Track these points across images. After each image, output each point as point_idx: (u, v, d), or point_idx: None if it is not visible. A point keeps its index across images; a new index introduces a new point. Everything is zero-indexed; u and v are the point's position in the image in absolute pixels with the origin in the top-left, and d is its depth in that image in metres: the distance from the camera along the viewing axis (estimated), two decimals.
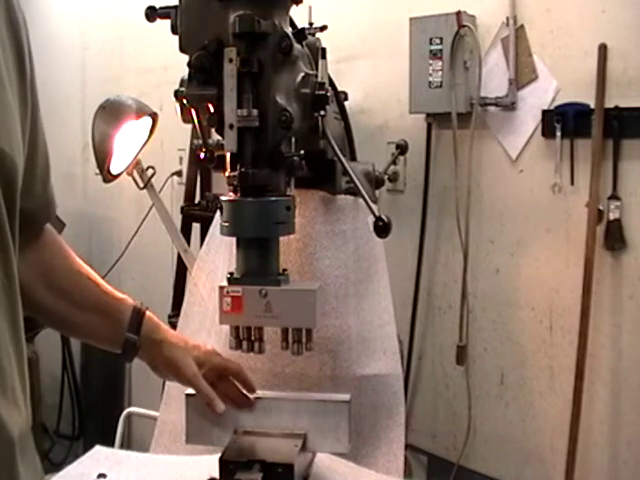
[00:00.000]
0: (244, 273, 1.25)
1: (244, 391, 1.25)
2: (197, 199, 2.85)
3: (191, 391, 1.30)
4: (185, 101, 1.24)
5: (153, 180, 2.23)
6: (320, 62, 1.31)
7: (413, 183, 2.36)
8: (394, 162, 2.02)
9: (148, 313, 1.21)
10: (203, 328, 1.60)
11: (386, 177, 1.74)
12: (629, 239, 1.93)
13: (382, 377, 1.52)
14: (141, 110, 2.04)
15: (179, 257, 2.54)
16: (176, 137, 2.69)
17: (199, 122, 1.28)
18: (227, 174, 1.25)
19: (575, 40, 1.98)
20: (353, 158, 1.65)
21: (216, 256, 1.60)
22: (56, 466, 3.01)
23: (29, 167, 0.88)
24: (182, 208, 2.78)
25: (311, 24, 1.81)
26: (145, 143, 2.13)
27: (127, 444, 2.82)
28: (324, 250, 1.50)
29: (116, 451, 1.45)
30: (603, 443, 1.99)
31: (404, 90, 2.22)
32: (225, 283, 1.25)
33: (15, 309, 0.82)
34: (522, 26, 2.07)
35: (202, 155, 1.30)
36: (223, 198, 1.25)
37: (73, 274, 1.16)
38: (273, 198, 1.24)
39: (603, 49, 1.90)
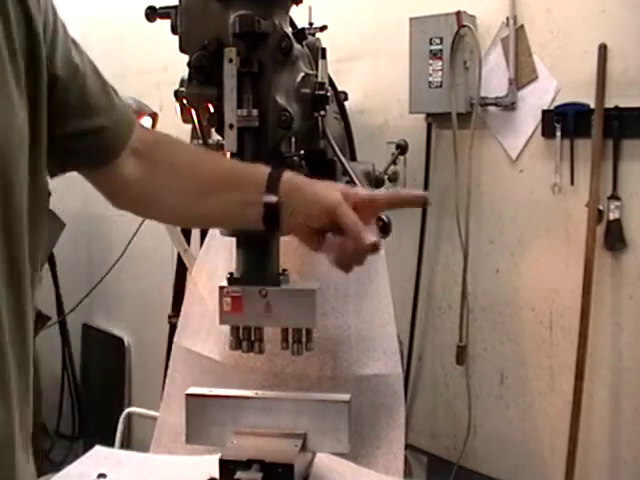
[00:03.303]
0: (244, 273, 1.25)
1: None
2: None
3: (191, 391, 1.30)
4: (185, 101, 1.25)
5: None
6: (320, 62, 1.31)
7: (413, 183, 2.36)
8: (394, 162, 2.02)
9: (287, 173, 1.03)
10: (203, 328, 1.60)
11: (386, 177, 1.75)
12: (629, 239, 1.93)
13: (382, 377, 1.52)
14: (141, 110, 2.05)
15: (179, 257, 2.54)
16: (176, 137, 2.69)
17: (199, 122, 1.28)
18: None
19: (575, 40, 1.98)
20: (353, 158, 1.65)
21: (216, 256, 1.60)
22: (56, 466, 3.01)
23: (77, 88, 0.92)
24: None
25: (311, 24, 1.81)
26: None
27: (127, 444, 2.82)
28: None
29: (116, 451, 1.46)
30: (603, 443, 1.99)
31: (404, 90, 2.22)
32: (225, 283, 1.25)
33: (21, 305, 0.82)
34: (522, 26, 2.07)
35: None
36: None
37: (196, 166, 1.07)
38: None
39: (603, 49, 1.90)
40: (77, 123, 0.95)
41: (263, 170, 1.03)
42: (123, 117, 1.03)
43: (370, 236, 0.99)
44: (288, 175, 1.02)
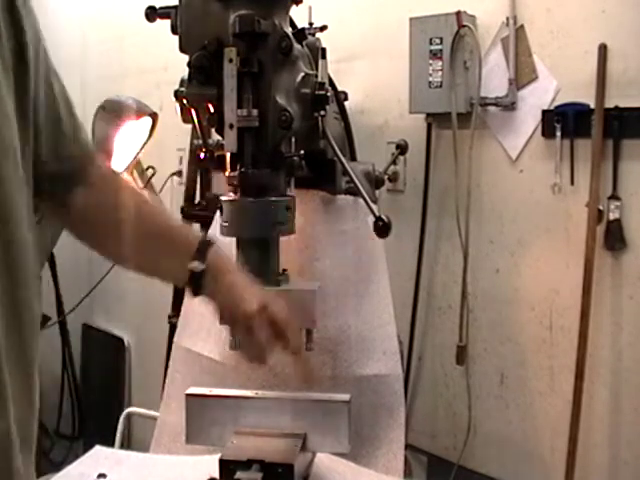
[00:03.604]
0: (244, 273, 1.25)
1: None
2: (197, 199, 2.85)
3: (191, 391, 1.30)
4: (185, 101, 1.25)
5: (153, 180, 2.24)
6: (320, 62, 1.31)
7: (413, 183, 2.36)
8: (394, 162, 2.02)
9: (216, 246, 1.12)
10: (203, 328, 1.60)
11: (386, 177, 1.75)
12: (629, 239, 1.92)
13: (382, 377, 1.52)
14: (141, 110, 2.05)
15: None
16: (176, 137, 2.69)
17: (199, 122, 1.28)
18: (227, 174, 1.25)
19: (575, 40, 1.98)
20: (353, 158, 1.66)
21: None
22: (56, 466, 3.00)
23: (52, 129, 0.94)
24: (182, 208, 2.78)
25: (311, 24, 1.81)
26: (145, 143, 2.13)
27: (127, 444, 2.82)
28: (324, 250, 1.50)
29: (116, 451, 1.46)
30: (603, 443, 1.99)
31: (404, 90, 2.22)
32: None
33: (18, 310, 0.83)
34: (522, 26, 2.07)
35: (202, 155, 1.30)
36: (223, 198, 1.26)
37: (137, 214, 1.11)
38: (273, 198, 1.24)
39: (603, 49, 1.90)
40: (48, 150, 0.98)
41: (195, 236, 1.12)
42: (86, 150, 1.07)
43: (264, 358, 1.10)
44: (218, 251, 1.10)
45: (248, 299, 1.08)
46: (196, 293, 1.11)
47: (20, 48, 0.86)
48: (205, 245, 1.09)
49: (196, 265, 1.08)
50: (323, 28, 1.76)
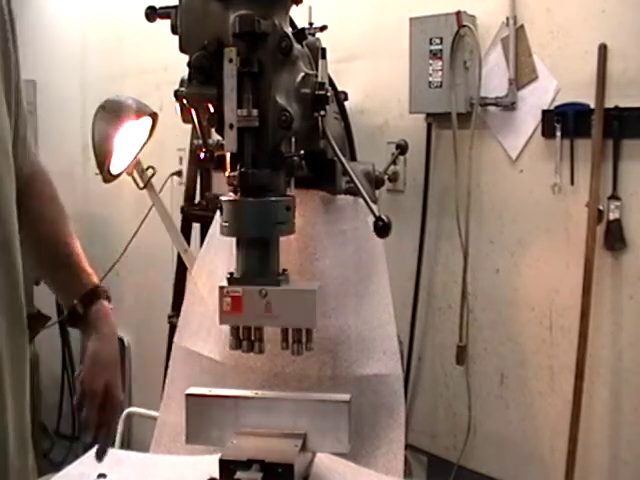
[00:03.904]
0: (244, 273, 1.25)
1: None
2: (197, 199, 2.85)
3: (191, 391, 1.30)
4: (185, 101, 1.24)
5: (153, 180, 2.23)
6: (320, 62, 1.30)
7: (413, 183, 2.36)
8: (394, 162, 2.02)
9: (104, 303, 1.21)
10: (203, 328, 1.60)
11: (386, 177, 1.74)
12: (629, 239, 1.93)
13: (382, 377, 1.52)
14: (141, 110, 2.04)
15: (179, 257, 2.54)
16: (176, 137, 2.69)
17: (199, 122, 1.28)
18: (227, 174, 1.25)
19: (575, 40, 1.98)
20: (353, 158, 1.65)
21: (216, 256, 1.60)
22: (56, 466, 3.00)
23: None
24: (182, 208, 2.78)
25: (311, 24, 1.81)
26: (145, 143, 2.13)
27: (127, 444, 2.82)
28: (324, 250, 1.50)
29: (116, 451, 1.45)
30: (603, 443, 1.99)
31: (404, 90, 2.22)
32: (225, 283, 1.25)
33: (15, 304, 0.83)
34: (522, 26, 2.07)
35: (202, 155, 1.30)
36: (223, 198, 1.25)
37: (46, 223, 1.18)
38: (273, 198, 1.24)
39: (603, 49, 1.90)
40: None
41: (90, 281, 1.20)
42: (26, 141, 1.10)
43: (86, 437, 1.17)
44: (104, 303, 1.19)
45: (98, 377, 1.17)
46: (69, 326, 1.21)
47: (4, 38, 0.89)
48: (94, 295, 1.19)
49: (78, 307, 1.17)
50: (323, 28, 1.75)
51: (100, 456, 1.20)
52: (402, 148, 1.92)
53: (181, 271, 2.66)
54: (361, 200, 1.37)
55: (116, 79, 3.41)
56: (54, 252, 1.19)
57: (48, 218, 1.18)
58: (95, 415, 1.17)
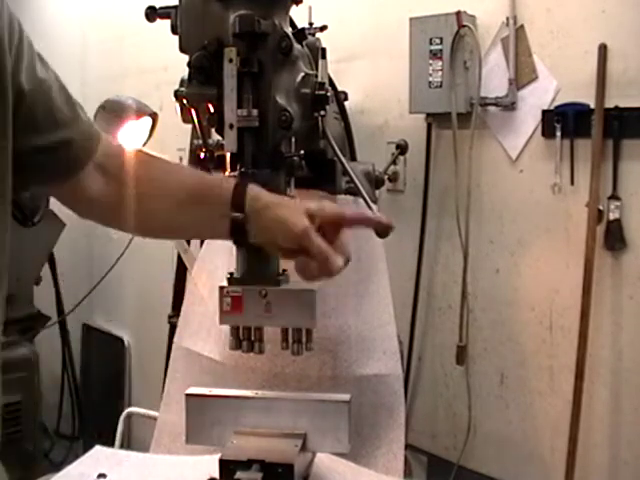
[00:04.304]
0: (244, 273, 1.25)
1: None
2: None
3: (191, 391, 1.30)
4: (185, 101, 1.25)
5: None
6: (320, 62, 1.31)
7: (413, 183, 2.36)
8: (394, 162, 2.03)
9: (250, 186, 1.07)
10: (203, 328, 1.60)
11: (386, 177, 1.75)
12: (629, 239, 1.93)
13: (382, 377, 1.52)
14: (141, 110, 2.05)
15: (179, 257, 2.54)
16: (176, 137, 2.69)
17: (199, 122, 1.28)
18: (227, 174, 1.25)
19: (575, 40, 1.98)
20: (353, 158, 1.66)
21: (216, 256, 1.60)
22: (56, 466, 3.01)
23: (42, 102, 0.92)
24: None
25: (311, 24, 1.81)
26: (145, 143, 2.13)
27: (127, 444, 2.82)
28: None
29: (116, 451, 1.45)
30: (603, 443, 1.99)
31: (404, 90, 2.22)
32: (225, 283, 1.25)
33: None
34: (522, 26, 2.07)
35: (202, 155, 1.30)
36: None
37: (160, 180, 1.09)
38: None
39: (603, 49, 1.90)
40: (43, 137, 0.96)
41: (229, 184, 1.06)
42: (88, 131, 1.04)
43: (337, 260, 0.99)
44: (253, 190, 1.05)
45: (296, 217, 1.02)
46: (240, 243, 1.09)
47: None
48: (241, 191, 1.05)
49: (236, 215, 1.03)
50: (323, 28, 1.76)
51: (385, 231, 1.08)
52: (402, 148, 1.93)
53: (181, 271, 2.66)
54: (361, 200, 1.37)
55: (116, 79, 3.41)
56: (177, 191, 1.08)
57: (154, 169, 1.10)
58: (323, 243, 0.99)
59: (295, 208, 1.04)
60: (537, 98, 2.06)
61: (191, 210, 1.07)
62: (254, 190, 1.06)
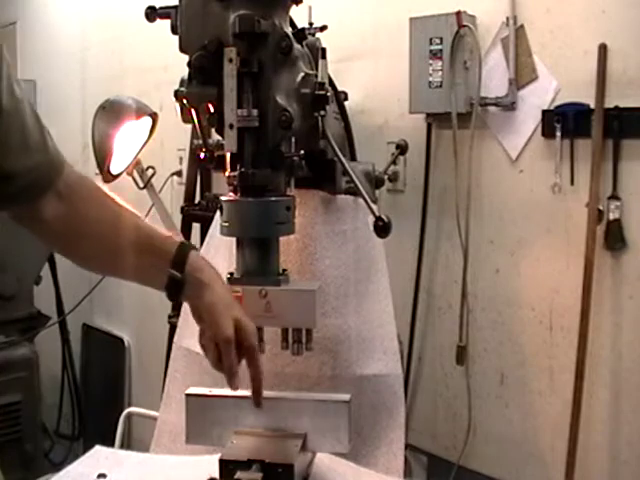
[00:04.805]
0: (244, 273, 1.25)
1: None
2: (197, 199, 2.85)
3: (191, 391, 1.30)
4: (185, 101, 1.25)
5: (153, 180, 2.23)
6: (320, 62, 1.31)
7: (413, 183, 2.36)
8: (394, 162, 2.02)
9: (195, 252, 1.13)
10: None
11: (386, 177, 1.74)
12: (629, 239, 1.92)
13: (382, 377, 1.52)
14: (141, 110, 2.05)
15: None
16: (176, 137, 2.69)
17: (199, 122, 1.28)
18: (227, 174, 1.25)
19: (575, 40, 1.97)
20: (353, 158, 1.66)
21: (216, 256, 1.60)
22: (56, 466, 3.01)
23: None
24: (182, 208, 2.78)
25: (311, 24, 1.81)
26: (145, 143, 2.13)
27: (127, 444, 2.82)
28: (324, 250, 1.50)
29: (116, 451, 1.46)
30: (603, 443, 1.98)
31: (404, 90, 2.22)
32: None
33: None
34: (522, 26, 2.07)
35: (202, 155, 1.30)
36: (223, 198, 1.26)
37: (109, 222, 1.12)
38: (273, 198, 1.24)
39: (603, 49, 1.90)
40: (14, 161, 0.97)
41: (173, 242, 1.11)
42: (55, 158, 1.05)
43: (233, 383, 1.11)
44: (196, 257, 1.11)
45: (224, 323, 1.10)
46: (173, 299, 1.13)
47: None
48: (183, 251, 1.10)
49: (174, 273, 1.09)
50: (323, 28, 1.76)
51: (258, 401, 1.15)
52: (402, 148, 1.92)
53: None
54: (361, 200, 1.37)
55: (116, 79, 3.41)
56: (125, 237, 1.11)
57: (105, 210, 1.13)
58: (235, 360, 1.10)
59: (229, 308, 1.11)
60: (537, 98, 2.06)
61: (133, 258, 1.11)
62: (196, 257, 1.11)
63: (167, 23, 1.29)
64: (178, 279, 1.10)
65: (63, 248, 1.15)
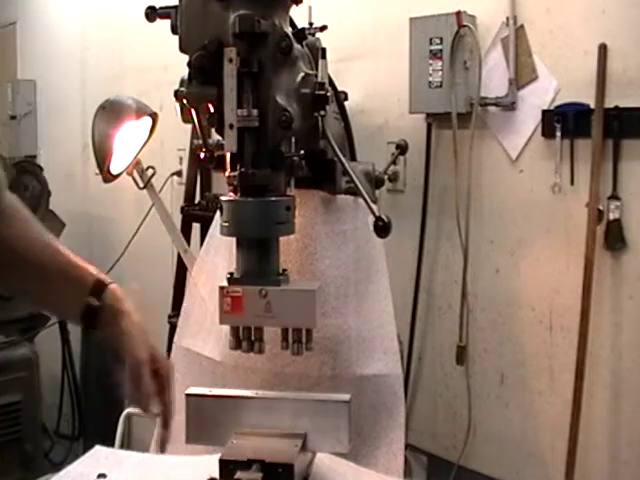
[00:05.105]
0: (244, 273, 1.25)
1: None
2: (197, 199, 2.85)
3: (191, 391, 1.30)
4: (185, 101, 1.24)
5: (153, 180, 2.23)
6: (320, 62, 1.30)
7: (413, 183, 2.36)
8: (394, 162, 2.02)
9: (113, 286, 1.17)
10: (203, 328, 1.60)
11: (386, 177, 1.74)
12: (629, 239, 1.93)
13: (382, 377, 1.52)
14: (141, 110, 2.04)
15: (179, 257, 2.54)
16: (176, 137, 2.69)
17: (199, 122, 1.28)
18: (227, 174, 1.25)
19: (575, 40, 1.98)
20: (353, 158, 1.65)
21: (216, 256, 1.60)
22: (56, 466, 3.01)
23: None
24: (182, 208, 2.78)
25: (311, 24, 1.82)
26: (145, 143, 2.13)
27: (127, 444, 2.82)
28: (324, 250, 1.50)
29: (116, 451, 1.45)
30: (603, 443, 1.99)
31: (404, 90, 2.22)
32: (225, 283, 1.25)
33: None
34: (522, 26, 2.07)
35: (202, 155, 1.30)
36: (223, 198, 1.25)
37: (35, 247, 1.15)
38: (273, 198, 1.24)
39: (603, 49, 1.90)
40: None
41: (91, 272, 1.15)
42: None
43: (154, 410, 1.13)
44: (114, 288, 1.15)
45: (140, 347, 1.13)
46: (88, 327, 1.14)
47: None
48: (102, 283, 1.14)
49: (92, 300, 1.12)
50: (323, 28, 1.76)
51: (166, 425, 1.15)
52: (402, 148, 1.92)
53: (181, 271, 2.66)
54: (361, 200, 1.37)
55: (116, 79, 3.41)
56: (47, 263, 1.14)
57: (31, 235, 1.15)
58: (151, 384, 1.13)
59: (144, 333, 1.14)
60: (537, 98, 2.06)
61: (53, 286, 1.14)
62: (116, 288, 1.16)
63: (167, 23, 1.29)
64: (95, 306, 1.12)
65: None
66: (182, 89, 1.24)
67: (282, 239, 1.30)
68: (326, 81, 1.28)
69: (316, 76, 1.27)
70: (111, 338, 1.16)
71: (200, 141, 1.30)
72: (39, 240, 1.16)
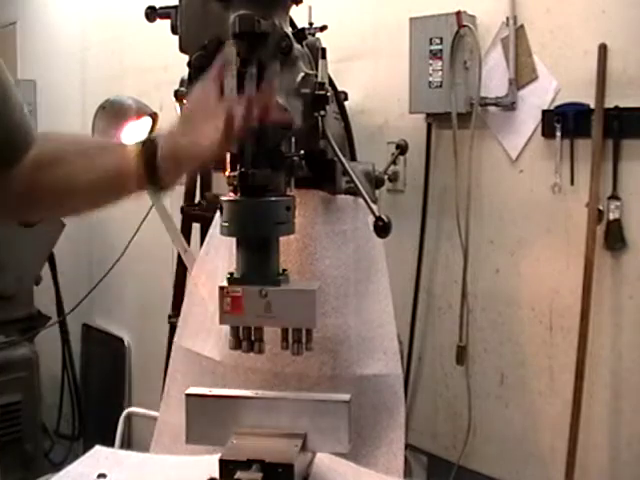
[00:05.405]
0: (244, 273, 1.25)
1: None
2: (197, 199, 2.85)
3: (191, 391, 1.30)
4: (185, 101, 1.24)
5: None
6: (320, 62, 1.31)
7: (413, 183, 2.36)
8: (394, 162, 2.02)
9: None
10: (203, 328, 1.60)
11: (386, 177, 1.74)
12: (629, 239, 1.93)
13: (382, 377, 1.52)
14: (141, 110, 2.05)
15: (179, 257, 2.54)
16: None
17: None
18: (227, 174, 1.25)
19: (575, 40, 1.98)
20: (353, 158, 1.65)
21: (216, 256, 1.60)
22: (56, 466, 3.01)
23: None
24: (182, 208, 2.78)
25: (311, 24, 1.82)
26: None
27: (127, 444, 2.82)
28: (324, 250, 1.50)
29: (116, 451, 1.45)
30: (603, 443, 1.99)
31: (404, 90, 2.22)
32: (225, 283, 1.25)
33: None
34: (522, 26, 2.07)
35: None
36: (223, 198, 1.25)
37: (73, 142, 1.16)
38: (273, 198, 1.24)
39: (603, 49, 1.90)
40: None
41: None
42: (30, 124, 1.12)
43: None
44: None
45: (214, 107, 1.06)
46: (151, 181, 1.09)
47: None
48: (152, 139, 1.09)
49: (147, 140, 1.08)
50: (323, 28, 1.76)
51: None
52: (402, 148, 1.92)
53: (181, 271, 2.66)
54: (361, 200, 1.37)
55: (116, 79, 3.41)
56: (87, 145, 1.15)
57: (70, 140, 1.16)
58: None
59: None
60: (537, 98, 2.06)
61: (100, 157, 1.13)
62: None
63: (167, 23, 1.29)
64: (152, 140, 1.07)
65: (42, 202, 1.15)
66: (182, 89, 1.24)
67: (282, 239, 1.30)
68: (326, 81, 1.28)
69: (316, 76, 1.27)
70: (179, 149, 1.06)
71: None
72: (74, 136, 1.19)
